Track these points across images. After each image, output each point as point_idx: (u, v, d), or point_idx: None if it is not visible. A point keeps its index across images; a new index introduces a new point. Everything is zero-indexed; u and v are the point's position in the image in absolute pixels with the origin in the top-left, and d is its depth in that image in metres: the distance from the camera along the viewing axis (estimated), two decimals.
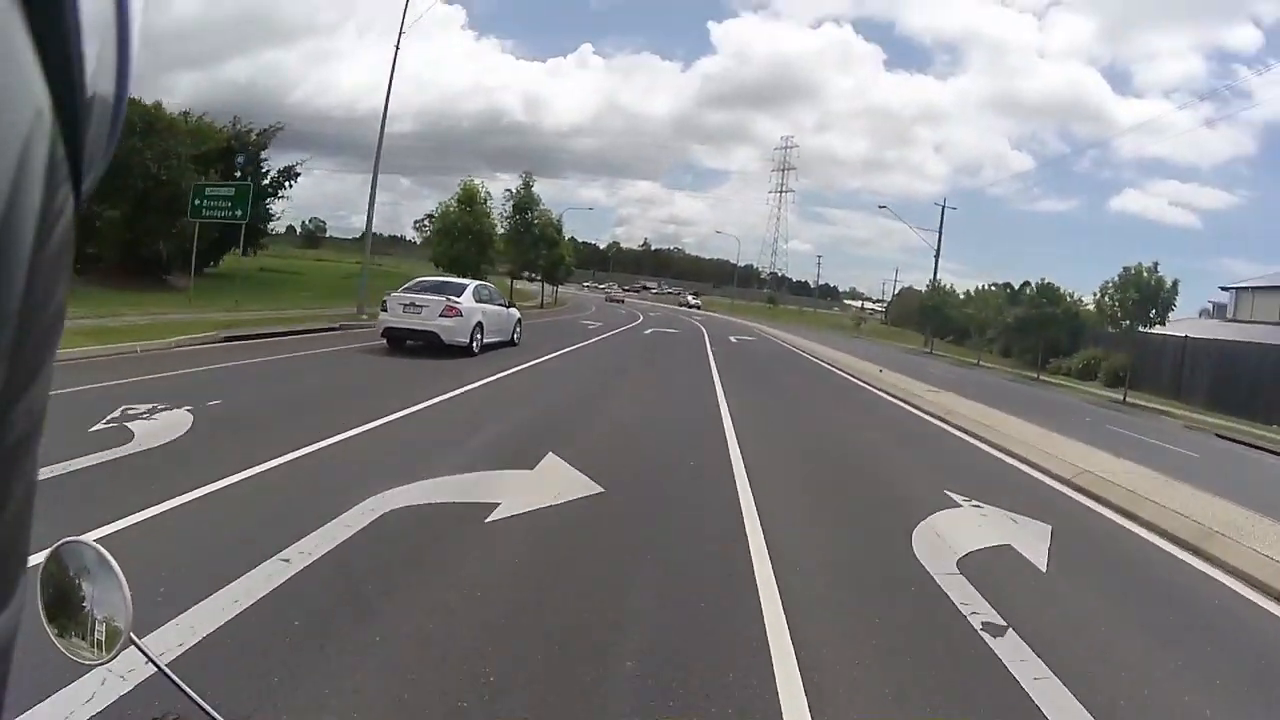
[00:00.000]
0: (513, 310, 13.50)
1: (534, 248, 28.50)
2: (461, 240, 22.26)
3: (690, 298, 62.16)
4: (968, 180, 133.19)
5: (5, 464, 0.26)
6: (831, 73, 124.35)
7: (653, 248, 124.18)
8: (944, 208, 42.31)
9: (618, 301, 50.77)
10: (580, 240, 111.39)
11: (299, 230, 78.59)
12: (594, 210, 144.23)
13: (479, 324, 11.17)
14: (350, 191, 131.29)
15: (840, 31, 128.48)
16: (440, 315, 10.53)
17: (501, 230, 25.89)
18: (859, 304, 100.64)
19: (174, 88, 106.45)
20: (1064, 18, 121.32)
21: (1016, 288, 34.68)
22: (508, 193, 27.93)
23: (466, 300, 11.02)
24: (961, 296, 36.77)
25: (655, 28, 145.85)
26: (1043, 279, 28.50)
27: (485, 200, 24.20)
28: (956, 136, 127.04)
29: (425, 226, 22.63)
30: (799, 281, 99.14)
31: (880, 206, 38.29)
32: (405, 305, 10.74)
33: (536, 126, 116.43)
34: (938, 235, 41.17)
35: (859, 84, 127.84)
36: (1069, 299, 27.32)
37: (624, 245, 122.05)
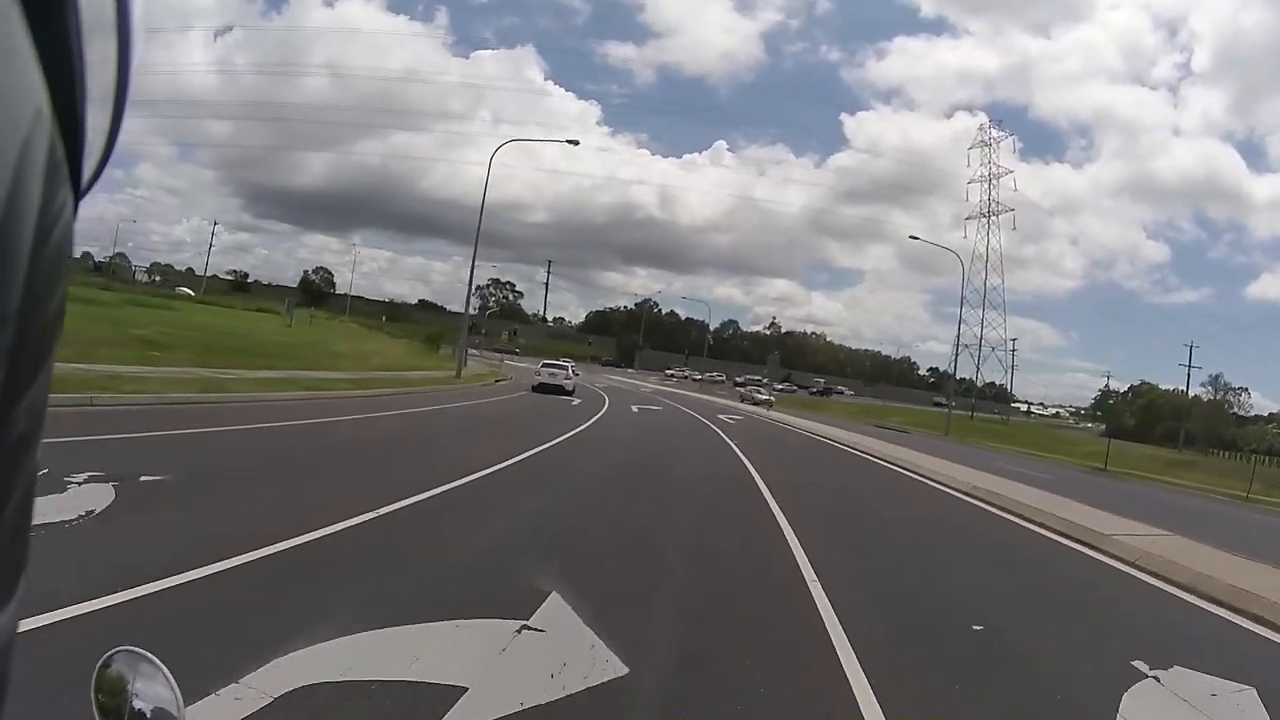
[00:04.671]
0: (577, 374, 27.34)
1: None
2: None
3: None
4: (1102, 274, 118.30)
5: (6, 463, 0.26)
6: (964, 162, 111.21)
7: (782, 329, 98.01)
8: None
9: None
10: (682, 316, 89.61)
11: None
12: (732, 309, 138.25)
13: (575, 384, 25.22)
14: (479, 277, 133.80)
15: (973, 119, 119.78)
16: (564, 379, 24.00)
17: None
18: (1024, 407, 75.64)
19: (308, 167, 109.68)
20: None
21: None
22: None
23: (571, 373, 25.05)
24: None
25: (786, 121, 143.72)
26: None
27: None
28: (1090, 227, 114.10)
29: None
30: (962, 379, 68.12)
31: None
32: (549, 373, 23.93)
33: (672, 221, 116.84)
34: None
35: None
36: None
37: (744, 329, 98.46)
